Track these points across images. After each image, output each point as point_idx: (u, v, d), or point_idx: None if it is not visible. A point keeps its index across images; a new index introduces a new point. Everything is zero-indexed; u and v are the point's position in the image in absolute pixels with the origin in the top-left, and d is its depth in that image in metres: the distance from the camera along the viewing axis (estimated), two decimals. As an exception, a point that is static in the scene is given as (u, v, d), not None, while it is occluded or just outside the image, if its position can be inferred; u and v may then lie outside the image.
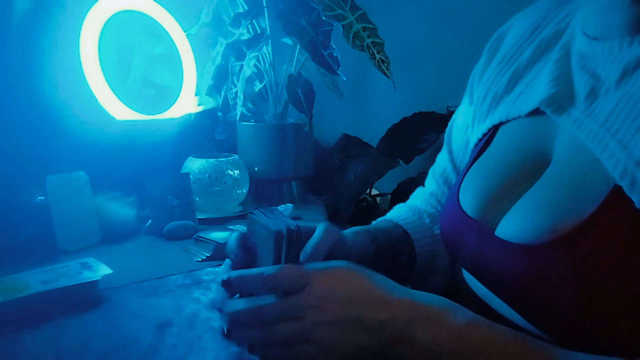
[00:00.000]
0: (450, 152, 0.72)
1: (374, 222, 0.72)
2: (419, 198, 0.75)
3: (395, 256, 0.67)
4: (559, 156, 0.47)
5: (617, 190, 0.39)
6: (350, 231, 0.63)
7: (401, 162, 1.30)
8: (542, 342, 0.40)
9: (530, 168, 0.49)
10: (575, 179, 0.43)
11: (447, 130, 0.73)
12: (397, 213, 0.73)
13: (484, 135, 0.59)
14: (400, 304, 0.43)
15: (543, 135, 0.49)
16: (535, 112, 0.50)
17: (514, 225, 0.46)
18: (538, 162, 0.49)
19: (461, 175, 0.58)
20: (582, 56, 0.49)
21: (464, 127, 0.68)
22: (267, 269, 0.44)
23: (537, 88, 0.52)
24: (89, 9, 0.95)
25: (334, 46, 1.02)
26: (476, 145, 0.60)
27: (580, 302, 0.39)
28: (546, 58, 0.54)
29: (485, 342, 0.41)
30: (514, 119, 0.54)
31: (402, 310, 0.43)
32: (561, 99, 0.48)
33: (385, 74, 1.03)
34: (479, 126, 0.60)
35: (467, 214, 0.53)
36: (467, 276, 0.53)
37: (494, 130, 0.57)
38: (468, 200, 0.54)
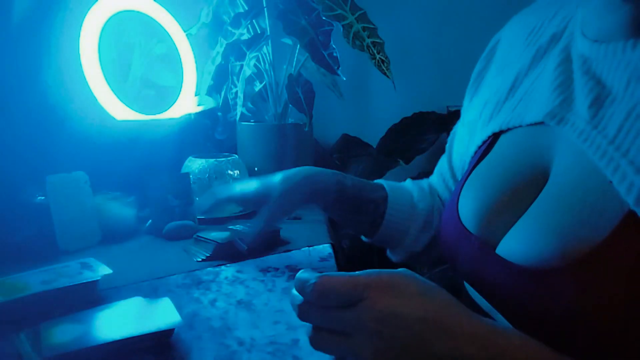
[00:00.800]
0: (449, 160, 0.73)
1: (373, 181, 0.76)
2: (430, 178, 0.79)
3: (359, 213, 0.71)
4: (561, 169, 0.45)
5: (632, 215, 0.37)
6: (324, 172, 0.70)
7: (401, 162, 1.30)
8: None
9: (529, 180, 0.47)
10: (585, 200, 0.41)
11: (449, 139, 0.74)
12: (400, 183, 0.77)
13: (484, 142, 0.57)
14: (468, 338, 0.37)
15: (542, 144, 0.48)
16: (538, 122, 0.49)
17: (518, 246, 0.44)
18: (537, 173, 0.47)
19: (460, 183, 0.57)
20: (585, 59, 0.47)
21: (466, 138, 0.67)
22: (313, 277, 0.38)
23: (538, 96, 0.50)
24: (89, 9, 0.95)
25: (334, 46, 1.02)
26: (476, 152, 0.58)
27: (588, 327, 0.38)
28: (544, 61, 0.52)
29: None
30: (515, 127, 0.52)
31: (470, 346, 0.36)
32: (564, 109, 0.46)
33: (385, 74, 1.03)
34: (480, 133, 0.59)
35: (466, 228, 0.51)
36: (468, 287, 0.52)
37: (493, 137, 0.55)
38: (467, 212, 0.52)
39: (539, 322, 0.41)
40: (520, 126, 0.51)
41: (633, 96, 0.41)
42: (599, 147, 0.41)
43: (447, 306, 0.38)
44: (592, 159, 0.41)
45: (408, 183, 0.77)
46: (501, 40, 0.62)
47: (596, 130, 0.42)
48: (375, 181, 0.77)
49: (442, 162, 0.75)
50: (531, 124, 0.49)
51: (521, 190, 0.47)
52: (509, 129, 0.53)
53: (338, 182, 0.70)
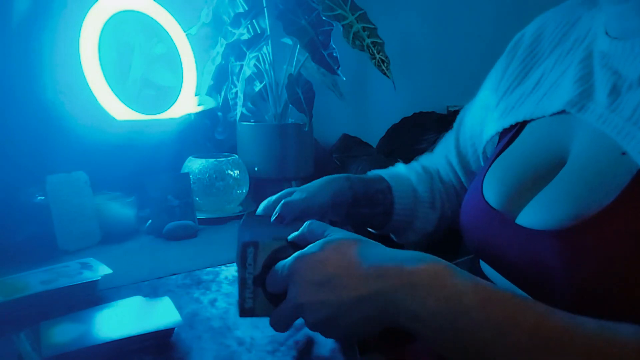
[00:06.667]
0: (457, 138, 0.75)
1: (368, 173, 0.77)
2: (422, 160, 0.81)
3: (372, 205, 0.72)
4: (578, 151, 0.49)
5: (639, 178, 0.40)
6: (329, 179, 0.68)
7: (401, 162, 1.30)
8: (540, 305, 0.38)
9: (550, 164, 0.51)
10: (597, 169, 0.44)
11: (458, 117, 0.76)
12: (393, 169, 0.79)
13: (509, 131, 0.61)
14: (380, 274, 0.41)
15: (564, 133, 0.51)
16: (560, 111, 0.53)
17: (536, 214, 0.47)
18: (557, 158, 0.51)
19: (485, 167, 0.60)
20: (604, 55, 0.51)
21: (482, 109, 0.69)
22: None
23: (562, 89, 0.54)
24: (89, 9, 0.95)
25: (334, 46, 1.02)
26: (501, 140, 0.62)
27: (602, 285, 0.39)
28: (570, 59, 0.56)
29: (478, 309, 0.38)
30: (539, 118, 0.56)
31: (385, 282, 0.41)
32: (585, 97, 0.50)
33: (385, 74, 1.02)
34: (502, 117, 0.62)
35: (490, 205, 0.54)
36: (488, 269, 0.54)
37: (519, 127, 0.59)
38: (491, 192, 0.55)
39: (554, 289, 0.43)
40: (543, 116, 0.55)
41: None
42: (617, 125, 0.44)
43: (365, 252, 0.44)
44: (610, 136, 0.44)
45: (402, 169, 0.78)
46: (525, 36, 0.65)
47: (614, 113, 0.46)
48: (370, 172, 0.77)
49: (448, 140, 0.77)
50: (554, 114, 0.53)
51: (542, 173, 0.51)
52: (532, 120, 0.57)
53: (348, 178, 0.70)
